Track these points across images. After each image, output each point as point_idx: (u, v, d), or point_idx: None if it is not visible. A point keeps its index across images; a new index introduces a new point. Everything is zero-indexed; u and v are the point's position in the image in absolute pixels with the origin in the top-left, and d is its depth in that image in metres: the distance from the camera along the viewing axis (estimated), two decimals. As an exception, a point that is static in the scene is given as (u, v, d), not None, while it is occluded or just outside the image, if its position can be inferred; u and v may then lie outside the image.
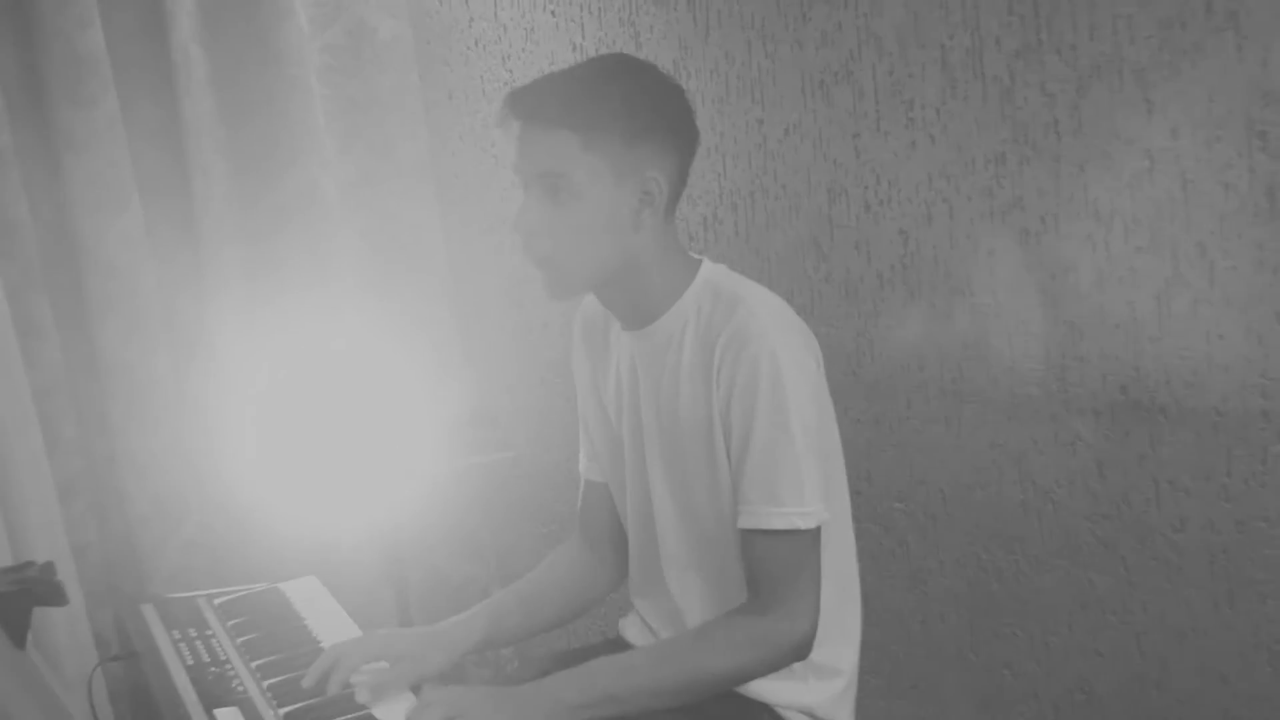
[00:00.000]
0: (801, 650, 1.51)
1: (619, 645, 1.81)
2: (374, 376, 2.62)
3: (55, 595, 1.46)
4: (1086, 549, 1.88)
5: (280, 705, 1.55)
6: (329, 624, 1.84)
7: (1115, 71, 1.70)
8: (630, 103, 1.53)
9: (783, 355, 1.48)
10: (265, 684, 1.62)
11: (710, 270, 1.61)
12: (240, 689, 1.62)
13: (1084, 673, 1.93)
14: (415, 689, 1.62)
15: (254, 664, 1.69)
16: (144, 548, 2.60)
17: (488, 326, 3.02)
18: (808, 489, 1.49)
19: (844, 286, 2.12)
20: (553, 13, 2.59)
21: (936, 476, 2.06)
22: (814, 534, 1.50)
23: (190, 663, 1.70)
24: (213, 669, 1.68)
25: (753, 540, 1.52)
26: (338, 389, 2.61)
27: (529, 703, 1.49)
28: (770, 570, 1.51)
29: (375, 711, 1.54)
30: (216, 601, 1.94)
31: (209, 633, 1.81)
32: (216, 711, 1.54)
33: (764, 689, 1.62)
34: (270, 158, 2.71)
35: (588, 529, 1.87)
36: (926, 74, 1.93)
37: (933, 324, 2.01)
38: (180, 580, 2.53)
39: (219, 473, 2.63)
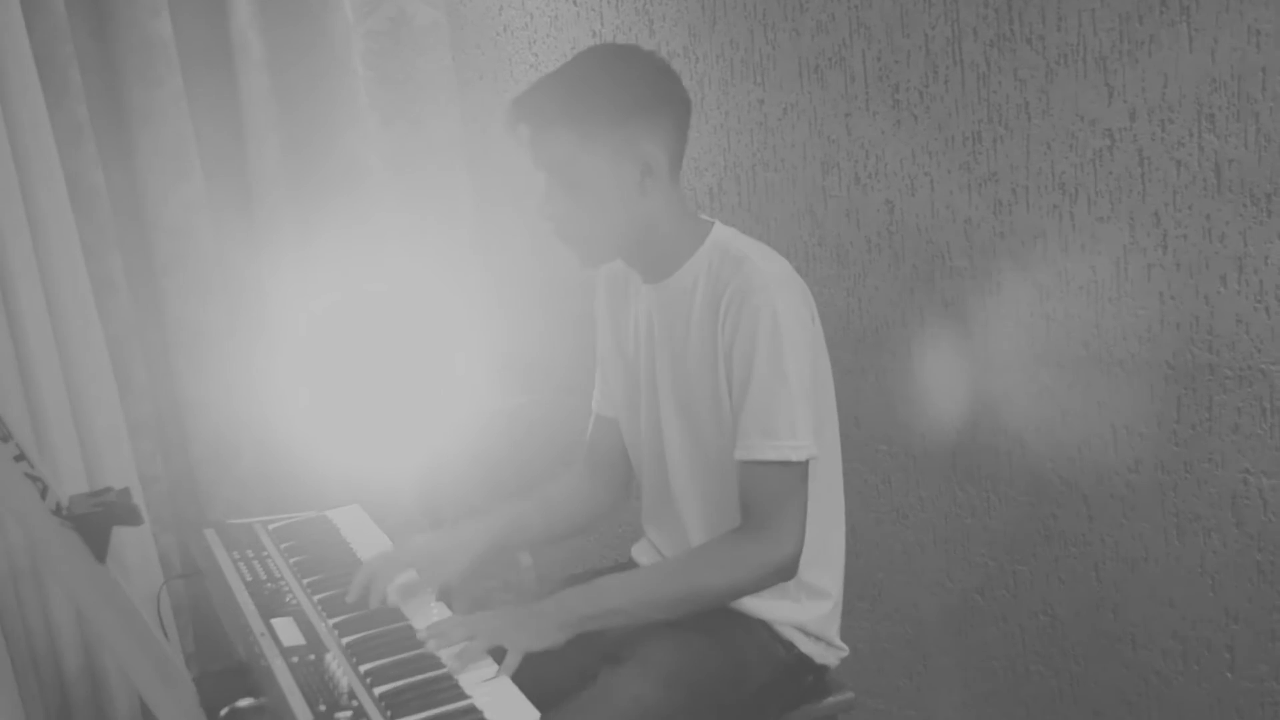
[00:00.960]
0: (786, 571, 1.52)
1: (630, 568, 1.82)
2: (412, 329, 2.64)
3: (132, 516, 1.48)
4: (1051, 487, 1.91)
5: (329, 616, 1.59)
6: (371, 547, 1.86)
7: (1080, 59, 1.72)
8: (616, 88, 1.55)
9: (781, 308, 1.50)
10: (315, 598, 1.66)
11: (721, 231, 1.63)
12: (293, 602, 1.65)
13: (1047, 597, 1.96)
14: (443, 589, 1.68)
15: (305, 581, 1.72)
16: (204, 481, 2.63)
17: (516, 283, 3.03)
18: (800, 426, 1.51)
19: (836, 250, 2.14)
20: (575, 1, 2.60)
21: (917, 421, 2.09)
22: (803, 466, 1.52)
23: (249, 579, 1.73)
24: (269, 585, 1.71)
25: (748, 470, 1.53)
26: (380, 341, 2.63)
27: (543, 615, 1.52)
28: (762, 497, 1.52)
29: (410, 616, 1.58)
30: (271, 527, 1.96)
31: (264, 554, 1.84)
32: (273, 621, 1.58)
33: (762, 607, 1.64)
34: (318, 132, 2.72)
35: (593, 456, 1.90)
36: (911, 60, 1.94)
37: (915, 285, 2.03)
38: (236, 510, 2.55)
39: (270, 415, 2.66)
